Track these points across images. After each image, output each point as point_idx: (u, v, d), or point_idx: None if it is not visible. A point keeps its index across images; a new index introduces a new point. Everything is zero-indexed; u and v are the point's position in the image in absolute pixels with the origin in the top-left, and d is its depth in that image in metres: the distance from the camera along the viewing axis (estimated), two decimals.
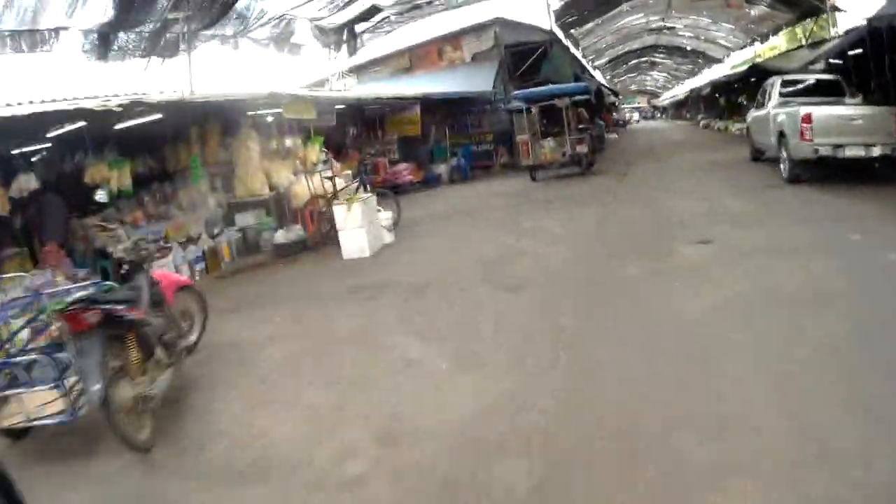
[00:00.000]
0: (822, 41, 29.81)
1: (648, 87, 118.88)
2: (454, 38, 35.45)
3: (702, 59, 65.02)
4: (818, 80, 19.71)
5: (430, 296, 10.10)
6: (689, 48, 61.96)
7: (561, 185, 22.66)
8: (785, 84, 19.72)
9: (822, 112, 15.87)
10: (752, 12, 39.51)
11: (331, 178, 16.48)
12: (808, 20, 36.62)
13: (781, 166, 17.31)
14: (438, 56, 35.94)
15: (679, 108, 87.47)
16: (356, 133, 28.34)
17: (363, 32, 30.51)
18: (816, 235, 10.74)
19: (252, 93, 16.62)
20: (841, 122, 15.50)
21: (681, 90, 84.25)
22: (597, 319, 8.05)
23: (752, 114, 22.48)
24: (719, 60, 58.66)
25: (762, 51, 44.78)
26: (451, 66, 35.23)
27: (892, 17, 15.61)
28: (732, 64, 51.39)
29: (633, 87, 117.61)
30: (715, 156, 26.77)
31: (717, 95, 50.91)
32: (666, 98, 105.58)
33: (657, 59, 78.30)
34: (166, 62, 20.39)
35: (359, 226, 14.00)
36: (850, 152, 15.28)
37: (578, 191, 20.45)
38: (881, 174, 15.67)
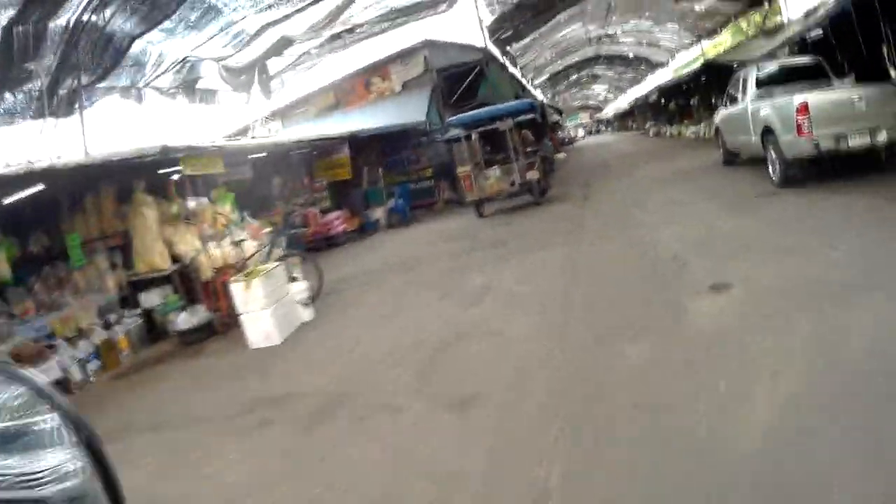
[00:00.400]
0: (779, 28, 28.65)
1: (591, 102, 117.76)
2: (381, 68, 32.88)
3: (644, 65, 63.40)
4: (797, 65, 17.47)
5: (340, 423, 7.01)
6: (631, 55, 60.21)
7: (514, 220, 19.77)
8: (761, 73, 17.34)
9: (820, 98, 13.76)
10: (698, 7, 37.30)
11: (238, 244, 13.72)
12: (758, 9, 35.05)
13: (770, 168, 15.12)
14: (366, 89, 33.14)
15: (624, 119, 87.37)
16: (281, 183, 25.37)
17: (283, 71, 28.12)
18: (865, 260, 8.15)
19: (140, 149, 13.93)
20: (842, 107, 13.48)
21: (624, 100, 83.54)
22: (595, 474, 4.72)
23: (723, 112, 20.21)
24: (664, 64, 56.82)
25: (707, 48, 43.50)
26: (381, 98, 32.56)
27: None
28: (677, 66, 50.53)
29: (576, 104, 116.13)
30: (679, 163, 24.58)
31: (664, 101, 49.65)
32: (609, 111, 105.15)
33: (598, 72, 76.75)
34: (61, 122, 17.86)
35: (262, 307, 11.18)
36: (854, 142, 13.25)
37: (535, 225, 17.56)
38: (883, 165, 13.95)
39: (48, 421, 1.55)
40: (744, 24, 38.26)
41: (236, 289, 11.41)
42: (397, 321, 10.74)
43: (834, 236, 9.55)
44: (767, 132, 15.06)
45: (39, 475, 1.48)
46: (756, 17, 35.06)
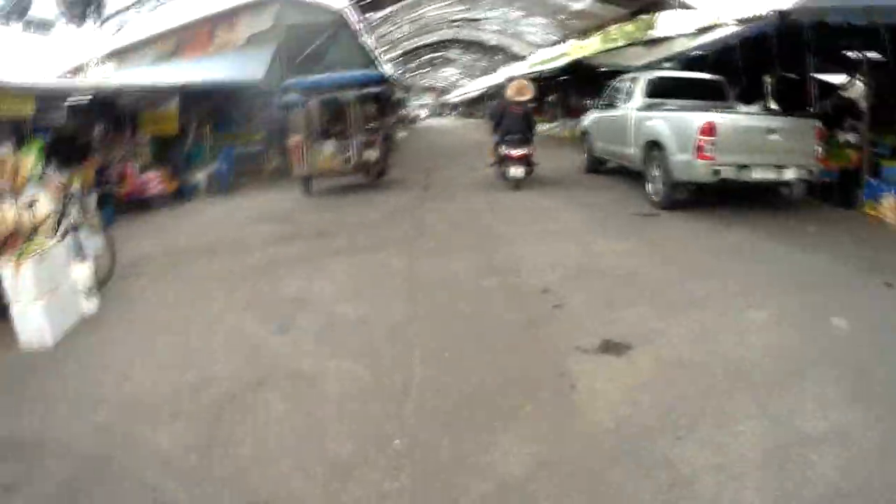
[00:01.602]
0: (660, 39, 27.97)
1: (438, 84, 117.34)
2: (229, 17, 30.42)
3: (502, 55, 62.97)
4: (695, 81, 16.21)
5: None
6: (491, 43, 59.64)
7: (345, 204, 17.60)
8: (653, 82, 15.92)
9: (730, 121, 12.57)
10: (576, 6, 36.40)
11: (30, 205, 11.06)
12: (640, 17, 35.15)
13: (649, 186, 14.04)
14: (209, 39, 30.66)
15: (471, 106, 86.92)
16: (102, 134, 22.29)
17: (125, 9, 25.67)
18: (793, 321, 7.06)
19: None
20: (752, 135, 12.47)
21: (474, 87, 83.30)
22: None
23: (594, 116, 18.94)
24: (522, 57, 56.01)
25: (572, 49, 43.07)
26: (223, 49, 30.12)
27: (824, 10, 11.87)
28: (536, 61, 50.29)
29: (424, 83, 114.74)
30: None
31: None
32: (456, 95, 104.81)
33: (452, 55, 76.43)
34: None
35: (33, 298, 8.68)
36: (758, 175, 12.36)
37: (369, 216, 15.28)
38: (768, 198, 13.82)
39: None
40: (614, 33, 38.16)
41: (6, 272, 8.90)
42: (187, 339, 8.31)
43: (748, 286, 8.30)
44: (653, 146, 13.83)
45: None
46: (629, 27, 34.84)
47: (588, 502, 4.24)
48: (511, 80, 21.81)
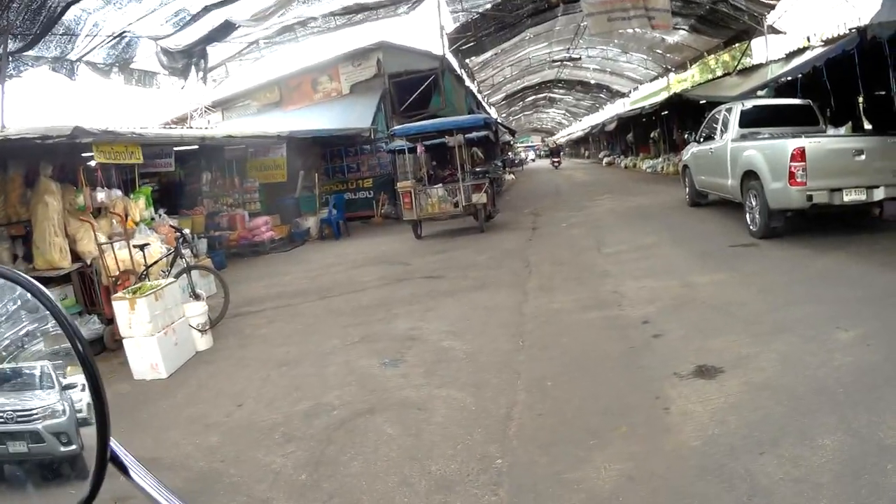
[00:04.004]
0: (754, 68, 27.94)
1: (545, 126, 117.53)
2: (331, 67, 30.97)
3: (605, 93, 62.94)
4: (785, 107, 16.03)
5: None
6: (592, 82, 59.42)
7: (454, 247, 17.86)
8: (746, 111, 15.82)
9: (819, 145, 12.45)
10: (670, 39, 36.45)
11: (141, 247, 11.69)
12: (733, 47, 35.02)
13: (748, 216, 13.88)
14: (312, 88, 31.23)
15: (577, 146, 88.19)
16: (210, 181, 23.23)
17: (227, 61, 26.55)
18: (879, 341, 6.89)
19: (49, 128, 11.98)
20: (841, 158, 12.33)
21: (579, 127, 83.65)
22: None
23: (694, 149, 18.88)
24: (625, 94, 56.21)
25: (673, 82, 42.87)
26: (327, 99, 30.64)
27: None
28: (639, 97, 50.21)
29: (528, 126, 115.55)
30: (639, 200, 23.15)
31: (622, 131, 48.91)
32: (562, 135, 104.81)
33: (556, 95, 76.07)
34: None
35: (147, 333, 9.10)
36: (849, 197, 12.19)
37: (477, 258, 15.53)
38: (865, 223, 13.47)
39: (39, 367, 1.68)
40: (712, 62, 38.01)
41: (120, 307, 9.36)
42: (300, 371, 8.71)
43: (836, 310, 8.18)
44: (750, 176, 13.81)
45: (32, 412, 1.72)
46: (725, 56, 34.63)
47: None
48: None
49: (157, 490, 1.62)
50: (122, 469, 1.61)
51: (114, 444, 1.59)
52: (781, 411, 5.61)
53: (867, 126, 17.87)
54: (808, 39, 22.89)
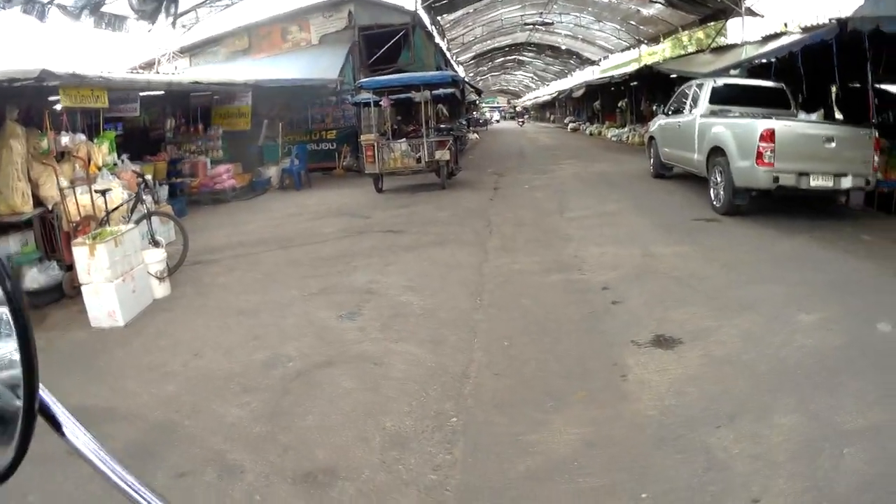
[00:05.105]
0: (728, 47, 28.35)
1: (511, 87, 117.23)
2: (301, 17, 30.79)
3: (575, 59, 63.08)
4: (758, 88, 16.09)
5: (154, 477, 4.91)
6: (563, 47, 59.68)
7: (415, 202, 17.80)
8: (718, 88, 15.80)
9: (788, 129, 12.49)
10: (646, 11, 36.56)
11: (102, 192, 11.45)
12: (709, 25, 35.21)
13: (711, 192, 14.06)
14: (282, 37, 31.03)
15: (542, 110, 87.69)
16: (174, 127, 22.83)
17: (198, 6, 26.16)
18: (848, 333, 6.77)
19: (15, 70, 11.46)
20: (810, 143, 12.41)
21: (546, 91, 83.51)
22: None
23: (661, 122, 18.82)
24: (595, 62, 56.10)
25: (644, 54, 42.97)
26: (296, 48, 30.48)
27: (879, 18, 11.95)
28: (608, 66, 50.34)
29: (496, 87, 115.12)
30: (604, 167, 23.20)
31: (589, 99, 48.75)
32: (528, 99, 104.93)
33: (525, 58, 76.22)
34: None
35: (105, 279, 8.95)
36: (816, 182, 12.28)
37: (438, 214, 15.49)
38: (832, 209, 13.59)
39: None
40: (685, 39, 38.14)
41: (79, 253, 9.18)
42: (258, 321, 8.63)
43: (800, 292, 8.24)
44: (717, 152, 13.86)
45: None
46: (700, 33, 34.84)
47: (628, 480, 4.40)
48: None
49: (94, 452, 1.49)
50: (55, 425, 1.48)
51: (45, 394, 1.46)
52: (741, 387, 5.65)
53: (839, 116, 17.85)
54: (786, 25, 22.98)
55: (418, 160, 19.37)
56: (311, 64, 27.41)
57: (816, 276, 8.96)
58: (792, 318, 7.25)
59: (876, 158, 12.63)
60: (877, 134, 12.80)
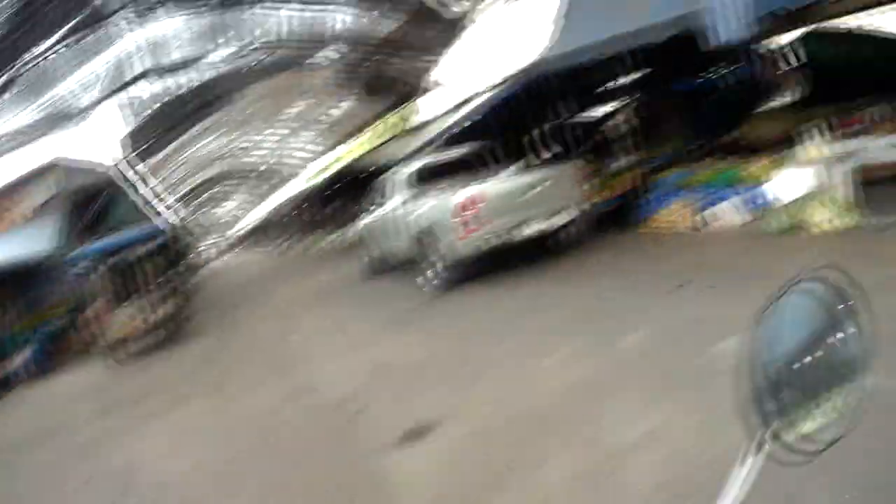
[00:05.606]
0: (423, 124, 28.10)
1: (224, 220, 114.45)
2: (11, 192, 29.25)
3: (277, 178, 62.54)
4: (451, 159, 16.62)
5: None
6: (262, 168, 60.09)
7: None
8: (409, 172, 16.43)
9: (487, 189, 13.29)
10: (335, 112, 37.12)
11: None
12: (396, 111, 35.10)
13: (429, 273, 14.53)
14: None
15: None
16: None
17: None
18: (586, 354, 7.69)
19: None
20: (515, 195, 13.31)
21: (254, 217, 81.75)
22: None
23: (366, 220, 19.32)
24: (296, 175, 56.55)
25: (344, 154, 44.03)
26: (14, 226, 28.55)
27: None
28: (309, 176, 50.75)
29: (207, 223, 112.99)
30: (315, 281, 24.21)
31: (298, 212, 49.05)
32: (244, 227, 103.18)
33: (229, 188, 76.86)
34: None
35: None
36: (530, 230, 13.12)
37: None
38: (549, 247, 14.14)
39: None
40: (381, 128, 39.12)
41: None
42: None
43: (532, 337, 9.13)
44: (426, 235, 14.28)
45: None
46: (394, 118, 35.61)
47: None
48: None
49: None
50: None
51: None
52: (507, 444, 6.04)
53: (546, 156, 19.13)
54: (475, 87, 23.98)
55: (144, 321, 19.01)
56: (28, 240, 25.55)
57: (550, 316, 9.87)
58: (535, 365, 7.85)
59: (585, 188, 13.66)
60: (582, 163, 13.95)
